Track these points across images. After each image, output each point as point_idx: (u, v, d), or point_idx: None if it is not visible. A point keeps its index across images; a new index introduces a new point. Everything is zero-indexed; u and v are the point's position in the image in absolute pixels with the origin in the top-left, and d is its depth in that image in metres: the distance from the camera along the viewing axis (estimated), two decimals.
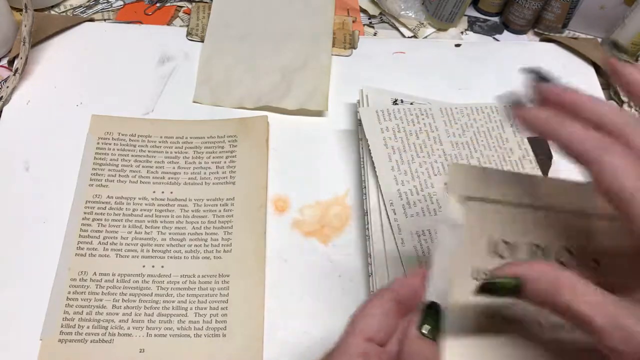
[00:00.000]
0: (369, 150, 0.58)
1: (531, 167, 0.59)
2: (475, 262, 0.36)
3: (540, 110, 0.35)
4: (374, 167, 0.57)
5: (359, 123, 0.61)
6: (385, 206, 0.55)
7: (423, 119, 0.61)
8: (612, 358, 0.28)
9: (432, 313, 0.36)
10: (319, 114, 0.66)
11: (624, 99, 0.70)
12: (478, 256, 0.36)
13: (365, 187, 0.58)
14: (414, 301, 0.37)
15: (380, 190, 0.56)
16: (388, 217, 0.54)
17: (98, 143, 0.61)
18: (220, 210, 0.58)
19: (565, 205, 0.37)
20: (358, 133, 0.63)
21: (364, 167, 0.59)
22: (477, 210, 0.37)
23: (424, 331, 0.35)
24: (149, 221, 0.56)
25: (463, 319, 0.35)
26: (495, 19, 0.79)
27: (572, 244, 0.36)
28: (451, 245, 0.37)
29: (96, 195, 0.57)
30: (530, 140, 0.61)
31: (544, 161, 0.60)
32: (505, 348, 0.35)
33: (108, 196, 0.57)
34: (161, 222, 0.57)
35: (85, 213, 0.56)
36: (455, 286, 0.36)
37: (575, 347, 0.34)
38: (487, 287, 0.33)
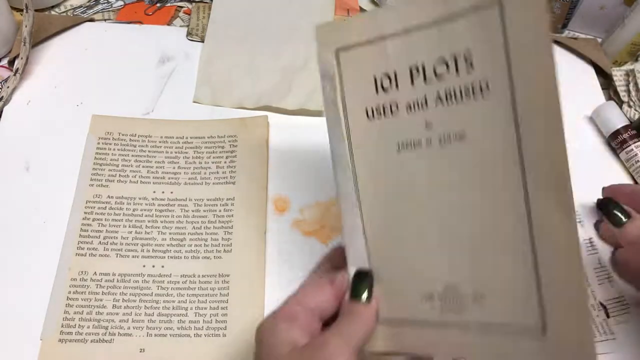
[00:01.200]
0: None
1: None
2: (366, 103, 0.41)
3: None
4: None
5: None
6: None
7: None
8: None
9: (362, 279, 0.41)
10: (319, 114, 0.66)
11: (624, 99, 0.70)
12: (367, 97, 0.41)
13: None
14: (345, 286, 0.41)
15: None
16: None
17: (98, 143, 0.61)
18: (220, 210, 0.58)
19: (424, 19, 0.38)
20: None
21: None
22: (351, 57, 0.41)
23: (359, 297, 0.40)
24: (149, 221, 0.57)
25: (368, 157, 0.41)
26: None
27: (444, 53, 0.38)
28: (335, 96, 0.42)
29: (96, 195, 0.57)
30: None
31: None
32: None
33: (108, 196, 0.57)
34: (161, 222, 0.57)
35: (85, 213, 0.56)
36: (352, 129, 0.42)
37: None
38: (605, 203, 0.52)
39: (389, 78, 0.40)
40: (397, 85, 0.40)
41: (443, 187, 0.39)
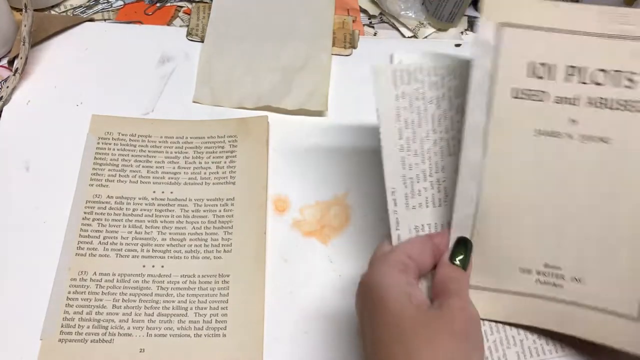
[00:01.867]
0: (379, 122, 0.47)
1: None
2: (514, 83, 0.43)
3: None
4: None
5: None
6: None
7: (452, 79, 0.47)
8: None
9: (462, 246, 0.45)
10: (319, 114, 0.66)
11: None
12: (517, 78, 0.43)
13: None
14: (445, 245, 0.45)
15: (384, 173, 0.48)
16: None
17: (98, 143, 0.61)
18: (220, 210, 0.58)
19: (600, 29, 0.42)
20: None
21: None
22: (514, 35, 0.43)
23: (456, 262, 0.44)
24: (149, 221, 0.57)
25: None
26: None
27: (608, 66, 0.42)
28: (487, 66, 0.43)
29: (96, 195, 0.57)
30: None
31: None
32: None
33: (108, 196, 0.57)
34: (161, 222, 0.57)
35: (85, 213, 0.56)
36: (495, 103, 0.43)
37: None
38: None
39: (545, 68, 0.43)
40: (549, 77, 0.43)
41: (574, 178, 0.43)
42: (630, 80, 0.41)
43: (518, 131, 0.43)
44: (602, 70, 0.42)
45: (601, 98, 0.42)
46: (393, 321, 0.40)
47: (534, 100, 0.43)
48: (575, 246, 0.43)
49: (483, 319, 0.45)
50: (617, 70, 0.41)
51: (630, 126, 0.41)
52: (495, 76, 0.43)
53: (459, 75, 0.47)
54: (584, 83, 0.42)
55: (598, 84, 0.42)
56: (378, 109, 0.47)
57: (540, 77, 0.43)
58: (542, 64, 0.43)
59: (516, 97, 0.43)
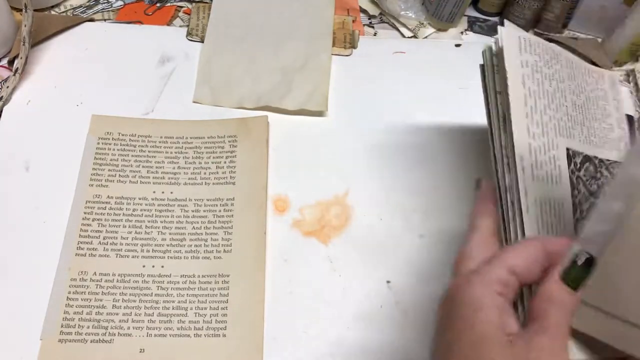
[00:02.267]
0: (506, 85, 0.45)
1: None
2: None
3: None
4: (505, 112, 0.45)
5: (490, 56, 0.48)
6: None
7: (555, 63, 0.48)
8: None
9: (582, 265, 0.36)
10: (319, 114, 0.66)
11: None
12: None
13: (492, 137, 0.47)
14: (559, 257, 0.37)
15: (512, 139, 0.44)
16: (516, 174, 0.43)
17: (98, 143, 0.61)
18: (220, 210, 0.58)
19: None
20: (485, 74, 0.49)
21: (491, 112, 0.47)
22: None
23: (569, 281, 0.36)
24: (149, 221, 0.57)
25: None
26: (495, 19, 0.79)
27: None
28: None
29: (96, 195, 0.57)
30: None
31: None
32: None
33: (108, 196, 0.57)
34: (161, 222, 0.57)
35: (85, 213, 0.56)
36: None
37: None
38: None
39: None
40: None
41: None
42: None
43: None
44: None
45: None
46: (476, 345, 0.35)
47: None
48: None
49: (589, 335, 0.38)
50: None
51: None
52: None
53: (560, 61, 0.47)
54: None
55: None
56: (507, 70, 0.45)
57: None
58: None
59: None
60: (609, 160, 0.48)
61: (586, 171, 0.46)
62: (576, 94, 0.49)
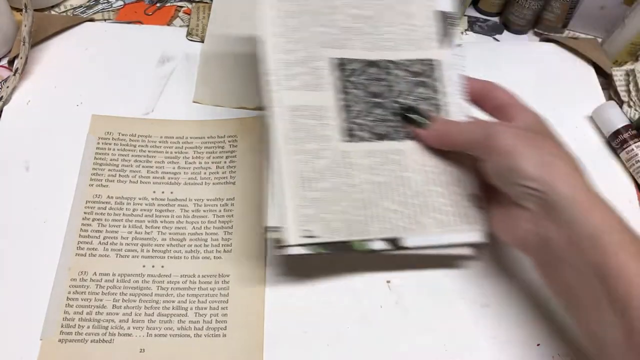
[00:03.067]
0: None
1: (435, 47, 0.56)
2: None
3: None
4: None
5: None
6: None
7: None
8: None
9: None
10: None
11: (624, 99, 0.70)
12: None
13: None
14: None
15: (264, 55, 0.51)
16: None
17: (98, 143, 0.61)
18: (220, 210, 0.58)
19: None
20: None
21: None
22: None
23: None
24: (149, 221, 0.56)
25: None
26: (495, 19, 0.79)
27: None
28: None
29: (96, 195, 0.57)
30: None
31: None
32: None
33: (108, 196, 0.57)
34: (161, 222, 0.57)
35: (85, 213, 0.56)
36: None
37: None
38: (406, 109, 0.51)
39: None
40: None
41: None
42: None
43: None
44: None
45: None
46: None
47: None
48: None
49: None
50: None
51: None
52: None
53: None
54: None
55: None
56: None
57: None
58: None
59: None
60: (409, 60, 0.54)
61: (366, 75, 0.53)
62: (358, 7, 0.54)
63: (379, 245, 0.50)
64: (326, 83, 0.52)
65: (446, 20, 0.56)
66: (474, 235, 0.51)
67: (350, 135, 0.51)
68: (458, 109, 0.54)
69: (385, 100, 0.53)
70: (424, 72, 0.54)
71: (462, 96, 0.54)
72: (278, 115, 0.50)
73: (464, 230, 0.51)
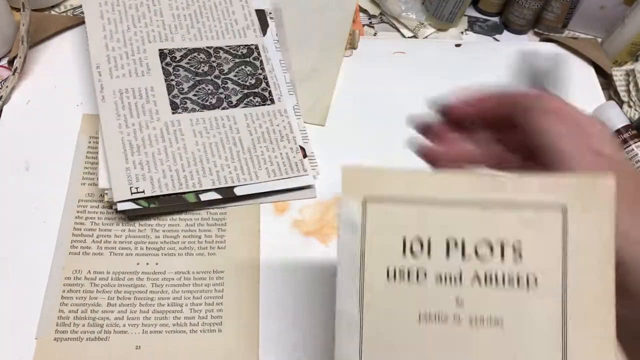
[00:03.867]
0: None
1: (255, 35, 0.68)
2: (390, 262, 0.37)
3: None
4: None
5: None
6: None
7: None
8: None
9: None
10: (320, 123, 0.66)
11: (624, 99, 0.69)
12: (393, 257, 0.37)
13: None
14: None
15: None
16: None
17: (89, 142, 0.61)
18: (213, 207, 0.58)
19: (471, 195, 0.36)
20: None
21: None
22: (379, 211, 0.37)
23: None
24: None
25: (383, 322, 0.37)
26: (495, 19, 0.79)
27: (490, 236, 0.36)
28: (355, 248, 0.38)
29: (89, 194, 0.57)
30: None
31: None
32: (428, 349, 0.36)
33: (100, 194, 0.57)
34: (154, 219, 0.57)
35: (78, 212, 0.56)
36: (369, 286, 0.37)
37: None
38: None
39: (421, 243, 0.37)
40: (429, 253, 0.36)
41: None
42: (518, 253, 0.36)
43: (397, 318, 0.37)
44: (486, 240, 0.36)
45: (487, 272, 0.36)
46: None
47: (412, 281, 0.37)
48: None
49: None
50: (500, 239, 0.36)
51: (523, 306, 0.36)
52: (364, 257, 0.38)
53: None
54: (467, 257, 0.36)
55: (481, 256, 0.36)
56: (85, 13, 0.64)
57: (416, 254, 0.36)
58: (417, 239, 0.37)
59: (392, 279, 0.37)
60: (229, 45, 0.66)
61: (192, 59, 0.64)
62: (182, 8, 0.67)
63: (210, 196, 0.57)
64: (153, 69, 0.62)
65: (266, 15, 0.69)
66: (304, 179, 0.59)
67: (179, 107, 0.61)
68: (281, 81, 0.65)
69: (209, 78, 0.64)
70: (246, 54, 0.66)
71: (283, 70, 0.66)
72: (108, 98, 0.60)
73: (294, 177, 0.59)
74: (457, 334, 0.36)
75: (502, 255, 0.36)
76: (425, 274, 0.36)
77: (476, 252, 0.36)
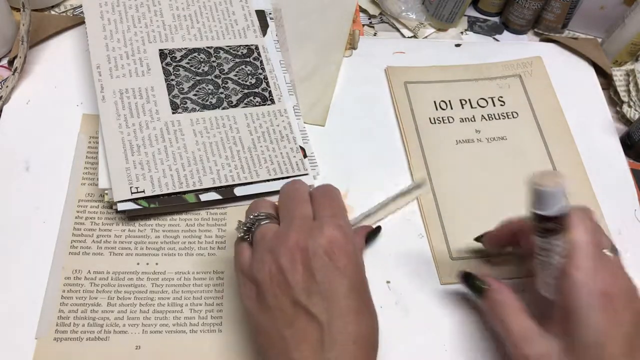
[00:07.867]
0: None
1: (255, 36, 0.68)
2: (430, 115, 0.67)
3: None
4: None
5: None
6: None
7: None
8: None
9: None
10: (320, 124, 0.65)
11: (624, 99, 0.69)
12: (430, 111, 0.68)
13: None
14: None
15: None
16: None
17: (89, 142, 0.61)
18: (213, 208, 0.58)
19: (467, 77, 0.71)
20: None
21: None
22: (416, 88, 0.69)
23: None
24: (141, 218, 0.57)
25: None
26: (495, 19, 0.79)
27: (483, 95, 0.70)
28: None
29: (89, 194, 0.57)
30: None
31: None
32: None
33: (100, 194, 0.57)
34: (154, 219, 0.57)
35: (77, 212, 0.56)
36: (421, 128, 0.66)
37: None
38: (465, 276, 0.51)
39: (445, 103, 0.68)
40: (451, 107, 0.68)
41: (487, 165, 0.64)
42: (501, 101, 0.69)
43: (442, 144, 0.65)
44: (482, 98, 0.69)
45: (487, 113, 0.68)
46: None
47: (446, 123, 0.66)
48: None
49: None
50: (490, 97, 0.69)
51: (515, 127, 0.66)
52: (414, 114, 0.67)
53: None
54: (474, 107, 0.68)
55: (481, 105, 0.68)
56: (85, 14, 0.64)
57: (445, 109, 0.67)
58: (442, 101, 0.68)
59: (434, 123, 0.66)
60: (229, 46, 0.66)
61: (192, 59, 0.64)
62: (182, 8, 0.68)
63: (210, 196, 0.57)
64: (153, 69, 0.63)
65: (266, 16, 0.70)
66: (304, 179, 0.57)
67: (179, 107, 0.61)
68: (281, 81, 0.66)
69: (210, 77, 0.64)
70: (246, 54, 0.66)
71: (283, 70, 0.67)
72: (108, 98, 0.60)
73: (294, 177, 0.59)
74: (480, 148, 0.65)
75: (493, 104, 0.68)
76: (452, 119, 0.67)
77: (478, 104, 0.68)
